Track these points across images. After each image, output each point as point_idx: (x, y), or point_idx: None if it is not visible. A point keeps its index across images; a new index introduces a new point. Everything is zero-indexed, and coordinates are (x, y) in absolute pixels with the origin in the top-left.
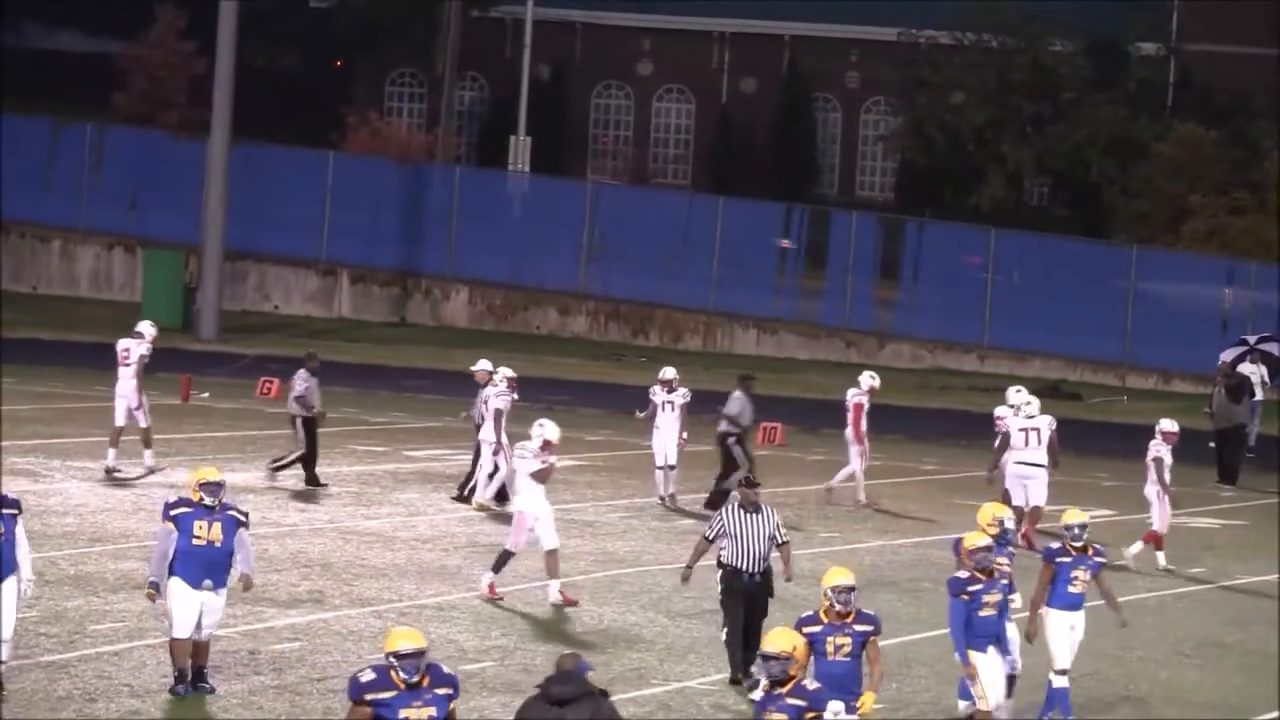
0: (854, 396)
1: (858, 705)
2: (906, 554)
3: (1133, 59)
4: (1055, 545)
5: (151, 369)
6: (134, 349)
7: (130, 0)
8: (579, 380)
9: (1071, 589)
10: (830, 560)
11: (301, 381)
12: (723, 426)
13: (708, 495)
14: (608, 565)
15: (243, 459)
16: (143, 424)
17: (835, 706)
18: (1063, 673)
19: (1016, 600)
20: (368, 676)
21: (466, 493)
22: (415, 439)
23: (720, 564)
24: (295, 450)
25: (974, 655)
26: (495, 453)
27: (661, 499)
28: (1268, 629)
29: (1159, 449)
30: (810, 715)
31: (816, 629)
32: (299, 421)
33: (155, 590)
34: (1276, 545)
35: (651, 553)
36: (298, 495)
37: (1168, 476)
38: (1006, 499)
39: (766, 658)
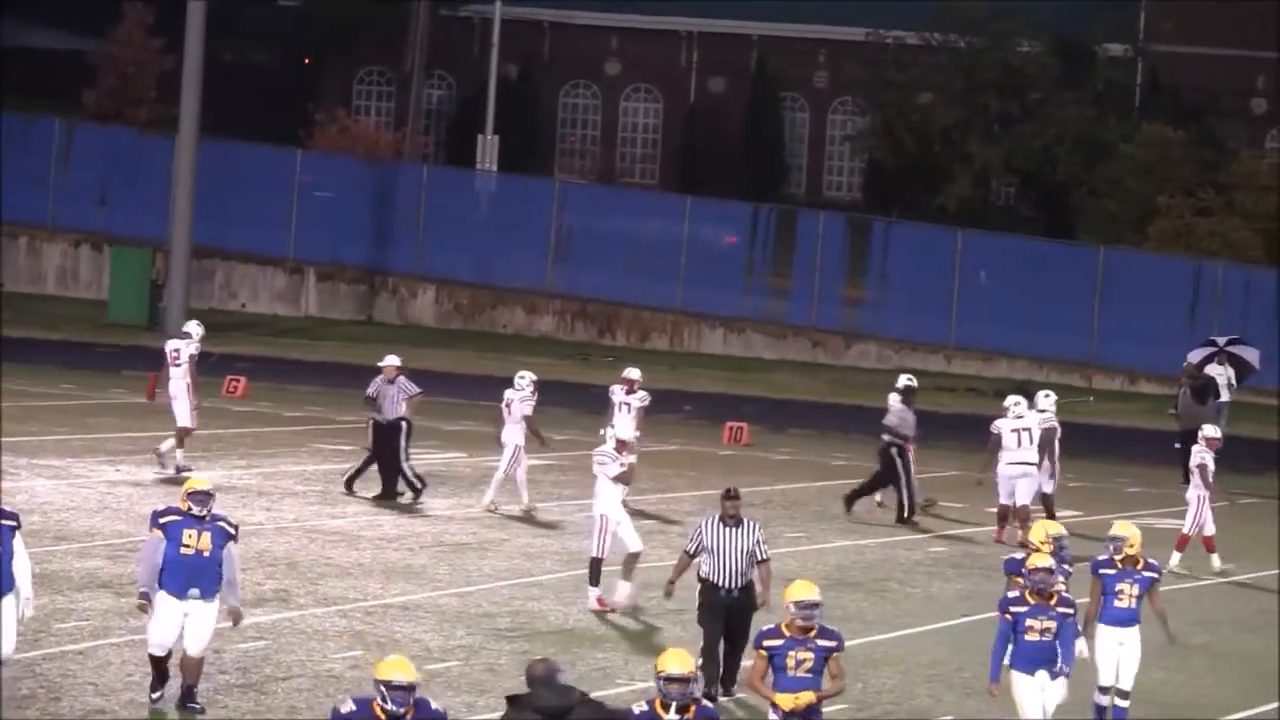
0: (1044, 422)
1: (795, 698)
2: (872, 554)
3: (1100, 59)
4: (1102, 557)
5: (117, 367)
6: (183, 349)
7: None
8: (545, 380)
9: (1118, 603)
10: (796, 560)
11: (373, 386)
12: (885, 438)
13: (846, 494)
14: (573, 565)
15: (208, 457)
16: (187, 424)
17: None
18: (1105, 690)
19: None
20: (348, 708)
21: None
22: None
23: (700, 578)
24: (364, 457)
25: (1015, 677)
26: (515, 457)
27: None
28: (1234, 630)
29: (1202, 455)
30: None
31: (778, 643)
32: (371, 425)
33: (146, 600)
34: (1242, 546)
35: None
36: (263, 494)
37: (1211, 481)
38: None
39: (671, 680)
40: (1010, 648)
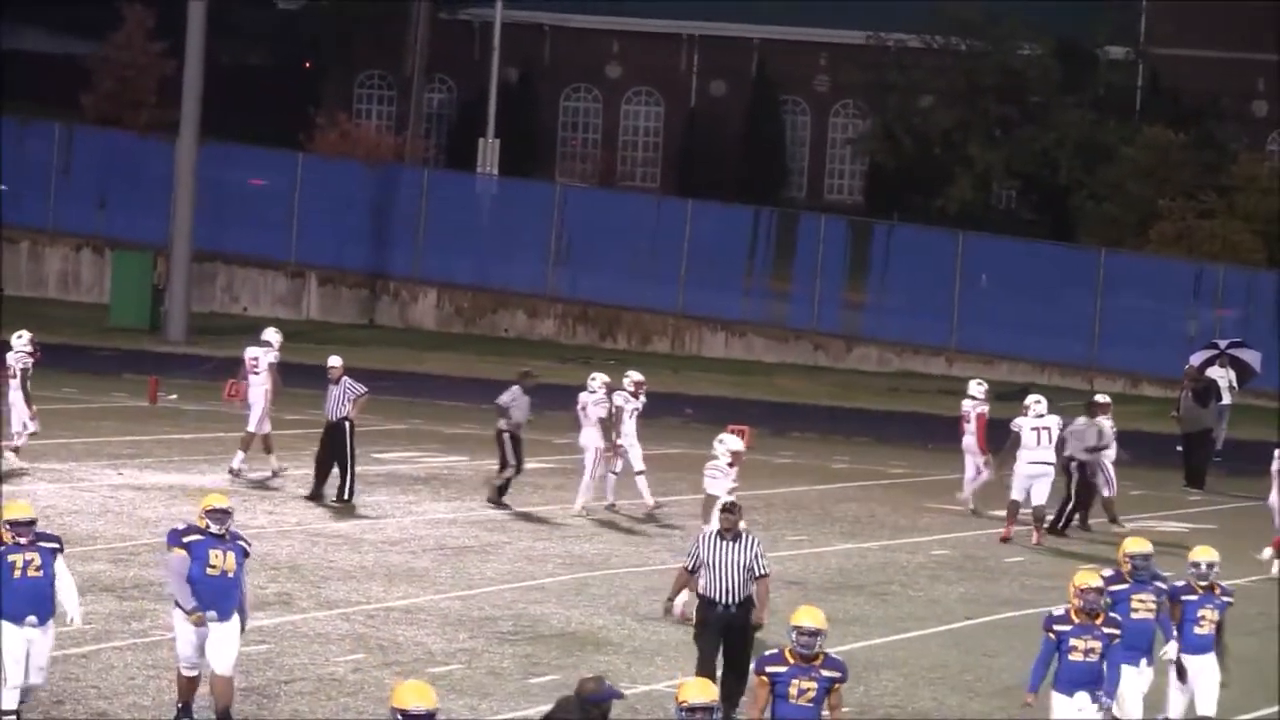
0: (976, 407)
1: None
2: (874, 557)
3: (1101, 62)
4: (1181, 583)
5: (118, 371)
6: (262, 357)
7: (98, 0)
8: (547, 383)
9: (1198, 630)
10: (798, 564)
11: (508, 395)
12: (1067, 451)
13: (1051, 518)
14: (575, 568)
15: (210, 462)
16: (266, 429)
17: None
18: None
19: (1170, 651)
20: None
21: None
22: (383, 441)
23: (698, 594)
24: (506, 470)
25: (1054, 698)
26: (597, 459)
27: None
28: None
29: None
30: None
31: (781, 669)
32: (505, 438)
33: (200, 612)
34: (1241, 548)
35: (619, 555)
36: (265, 497)
37: None
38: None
39: (693, 710)
40: (1053, 667)
